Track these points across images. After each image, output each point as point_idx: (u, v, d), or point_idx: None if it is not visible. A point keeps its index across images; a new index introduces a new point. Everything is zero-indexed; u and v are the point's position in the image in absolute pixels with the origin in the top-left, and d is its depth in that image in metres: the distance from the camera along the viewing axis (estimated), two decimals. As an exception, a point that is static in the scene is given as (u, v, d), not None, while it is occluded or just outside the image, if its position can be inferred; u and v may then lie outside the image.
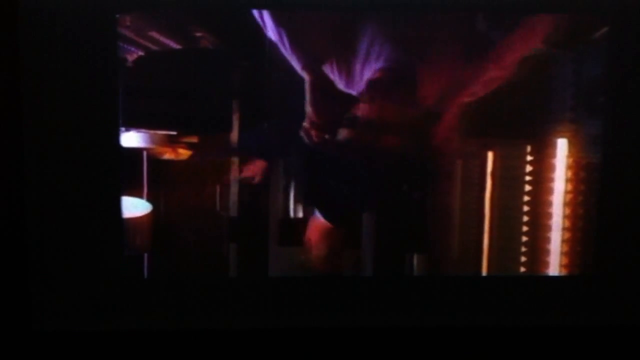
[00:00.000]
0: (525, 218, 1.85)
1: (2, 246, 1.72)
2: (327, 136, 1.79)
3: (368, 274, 1.85)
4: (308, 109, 1.77)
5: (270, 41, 1.74)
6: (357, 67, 1.76)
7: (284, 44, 1.74)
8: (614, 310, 1.83)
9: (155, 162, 1.79)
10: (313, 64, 1.77)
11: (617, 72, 1.75)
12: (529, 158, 1.83)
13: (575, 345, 1.84)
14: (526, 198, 1.84)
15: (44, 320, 1.77)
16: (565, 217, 1.84)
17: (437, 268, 1.86)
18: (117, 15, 1.69)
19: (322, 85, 1.77)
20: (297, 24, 1.75)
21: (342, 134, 1.79)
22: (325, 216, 1.83)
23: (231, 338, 1.80)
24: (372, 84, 1.77)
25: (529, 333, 1.83)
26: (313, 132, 1.78)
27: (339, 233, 1.85)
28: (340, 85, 1.79)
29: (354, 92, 1.79)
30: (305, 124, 1.78)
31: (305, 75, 1.77)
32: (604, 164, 1.79)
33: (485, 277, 1.86)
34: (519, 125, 1.82)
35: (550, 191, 1.84)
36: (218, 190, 1.82)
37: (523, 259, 1.87)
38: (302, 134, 1.78)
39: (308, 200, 1.84)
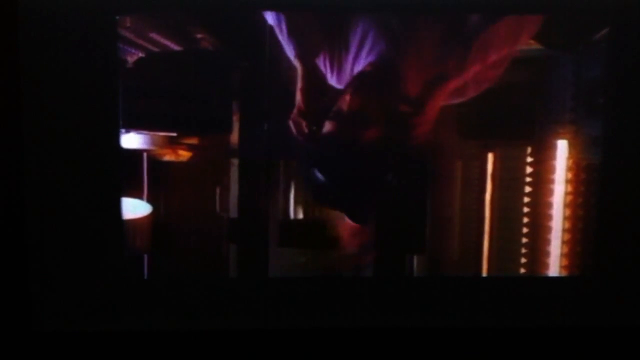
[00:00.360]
0: (526, 219, 1.85)
1: (2, 246, 1.72)
2: (314, 128, 1.78)
3: (368, 274, 1.85)
4: (298, 99, 1.77)
5: (269, 34, 1.74)
6: (349, 61, 1.77)
7: (281, 30, 1.74)
8: (614, 311, 1.82)
9: (156, 163, 1.79)
10: (306, 55, 1.77)
11: (617, 73, 1.74)
12: (529, 159, 1.83)
13: (576, 345, 1.83)
14: (526, 199, 1.84)
15: (44, 320, 1.76)
16: (565, 218, 1.84)
17: (437, 269, 1.86)
18: (117, 17, 1.68)
19: (313, 77, 1.77)
20: (296, 12, 1.75)
21: (328, 126, 1.79)
22: (349, 217, 1.83)
23: (231, 338, 1.80)
24: (359, 76, 1.77)
25: (529, 334, 1.82)
26: (302, 123, 1.77)
27: (367, 231, 1.85)
28: (331, 79, 1.79)
29: (343, 87, 1.79)
30: (294, 114, 1.77)
31: (297, 65, 1.77)
32: (604, 165, 1.78)
33: (485, 277, 1.85)
34: (519, 126, 1.81)
35: (550, 192, 1.83)
36: (218, 191, 1.82)
37: (523, 260, 1.87)
38: (290, 123, 1.77)
39: (324, 203, 1.84)
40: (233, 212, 1.81)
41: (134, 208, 1.78)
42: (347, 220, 1.84)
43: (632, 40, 1.72)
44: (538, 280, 1.86)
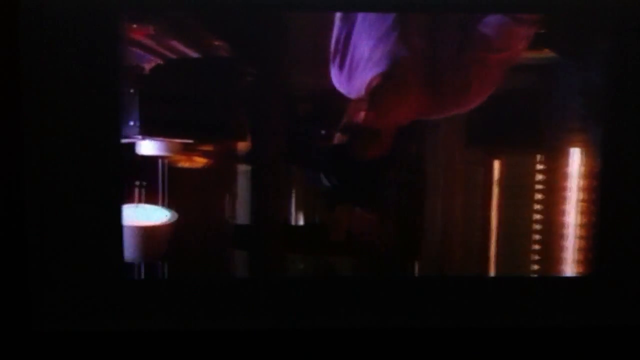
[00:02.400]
0: (536, 226, 1.82)
1: (2, 246, 1.73)
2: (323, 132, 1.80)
3: (368, 274, 1.83)
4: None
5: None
6: (360, 69, 1.78)
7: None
8: (615, 312, 1.76)
9: (172, 170, 1.81)
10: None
11: (618, 78, 1.73)
12: (538, 167, 1.81)
13: (577, 345, 1.77)
14: (536, 207, 1.81)
15: (44, 320, 1.75)
16: (577, 225, 1.80)
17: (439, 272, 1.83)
18: (124, 22, 1.71)
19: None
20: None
21: (339, 138, 1.79)
22: None
23: (231, 339, 1.77)
24: (372, 90, 1.77)
25: (530, 334, 1.77)
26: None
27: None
28: (340, 85, 1.80)
29: (353, 96, 1.80)
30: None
31: None
32: (604, 169, 1.76)
33: (486, 278, 1.82)
34: (528, 133, 1.80)
35: (562, 200, 1.81)
36: (228, 197, 1.83)
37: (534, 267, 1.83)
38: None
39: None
40: (242, 219, 1.81)
41: (150, 215, 1.79)
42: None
43: (633, 45, 1.71)
44: (539, 281, 1.82)
